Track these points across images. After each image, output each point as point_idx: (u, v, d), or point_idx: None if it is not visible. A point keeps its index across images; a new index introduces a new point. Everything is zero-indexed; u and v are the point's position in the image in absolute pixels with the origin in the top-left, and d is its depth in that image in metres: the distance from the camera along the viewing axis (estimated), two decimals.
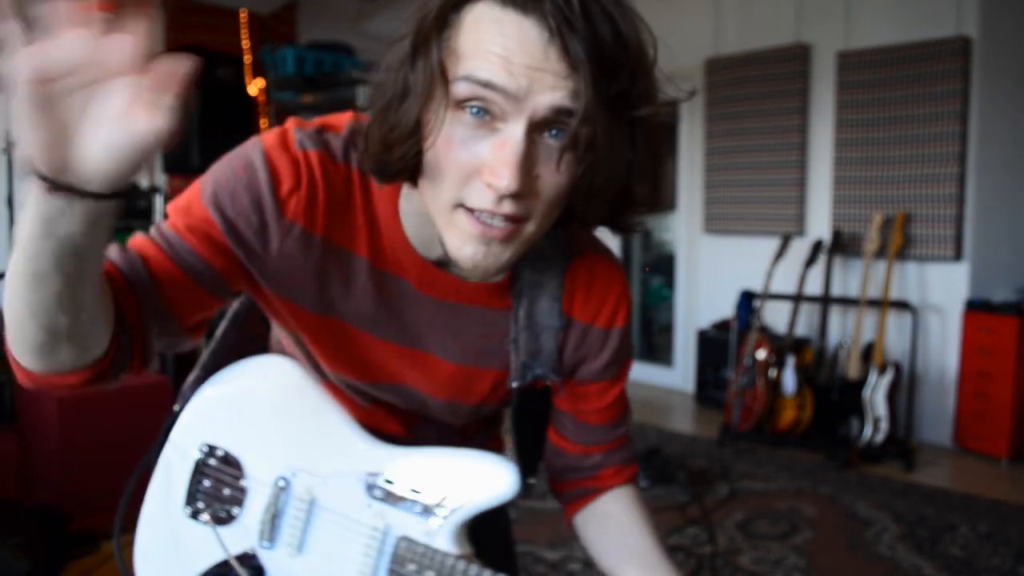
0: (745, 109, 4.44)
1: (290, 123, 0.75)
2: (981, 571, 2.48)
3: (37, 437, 2.58)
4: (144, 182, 4.19)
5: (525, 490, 0.83)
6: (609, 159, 0.65)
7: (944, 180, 3.72)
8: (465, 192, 0.64)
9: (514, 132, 0.61)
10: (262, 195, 0.71)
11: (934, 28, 3.74)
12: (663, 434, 4.04)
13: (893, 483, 3.31)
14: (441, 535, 0.83)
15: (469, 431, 1.00)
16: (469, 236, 0.65)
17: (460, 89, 0.61)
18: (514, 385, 0.82)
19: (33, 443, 2.62)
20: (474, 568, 0.81)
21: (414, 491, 0.86)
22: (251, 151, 0.72)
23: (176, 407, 1.00)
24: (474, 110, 0.62)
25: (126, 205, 3.55)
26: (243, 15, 4.56)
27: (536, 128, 0.62)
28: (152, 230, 0.74)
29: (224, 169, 0.72)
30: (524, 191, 0.63)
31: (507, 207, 0.63)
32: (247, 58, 4.45)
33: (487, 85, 0.60)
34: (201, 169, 0.75)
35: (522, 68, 0.60)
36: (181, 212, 0.72)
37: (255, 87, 4.45)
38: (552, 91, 0.60)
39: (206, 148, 3.85)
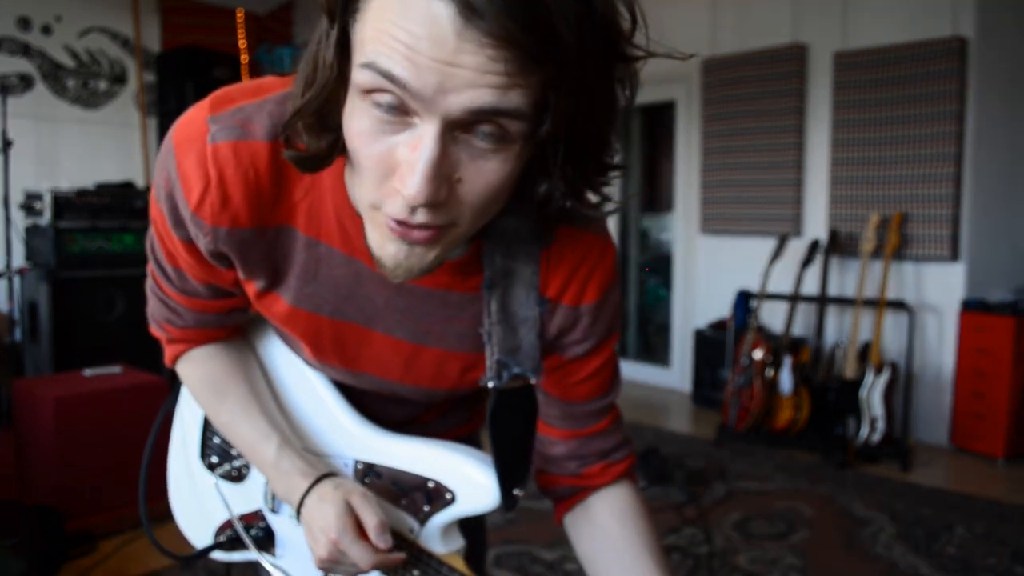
0: (742, 109, 4.45)
1: (207, 107, 0.67)
2: (977, 571, 2.49)
3: (34, 437, 2.57)
4: (140, 181, 4.19)
5: (510, 504, 0.78)
6: (565, 149, 0.57)
7: (940, 180, 3.73)
8: (381, 195, 0.57)
9: (426, 133, 0.53)
10: (181, 209, 0.68)
11: (930, 28, 3.74)
12: (660, 434, 4.04)
13: (890, 483, 3.32)
14: (426, 533, 0.83)
15: (446, 407, 0.98)
16: (389, 236, 0.59)
17: (363, 77, 0.53)
18: (490, 385, 0.73)
19: (30, 443, 2.61)
20: (445, 569, 0.80)
21: (397, 485, 0.84)
22: (167, 154, 0.68)
23: None
24: (384, 103, 0.53)
25: (123, 205, 3.55)
26: (240, 15, 4.56)
27: (457, 126, 0.53)
28: (163, 284, 0.81)
29: (157, 181, 0.70)
30: (439, 200, 0.54)
31: (421, 217, 0.55)
32: (244, 58, 4.44)
33: (389, 77, 0.51)
34: None
35: (430, 62, 0.50)
36: (162, 240, 0.75)
37: None
38: (470, 89, 0.50)
39: None
